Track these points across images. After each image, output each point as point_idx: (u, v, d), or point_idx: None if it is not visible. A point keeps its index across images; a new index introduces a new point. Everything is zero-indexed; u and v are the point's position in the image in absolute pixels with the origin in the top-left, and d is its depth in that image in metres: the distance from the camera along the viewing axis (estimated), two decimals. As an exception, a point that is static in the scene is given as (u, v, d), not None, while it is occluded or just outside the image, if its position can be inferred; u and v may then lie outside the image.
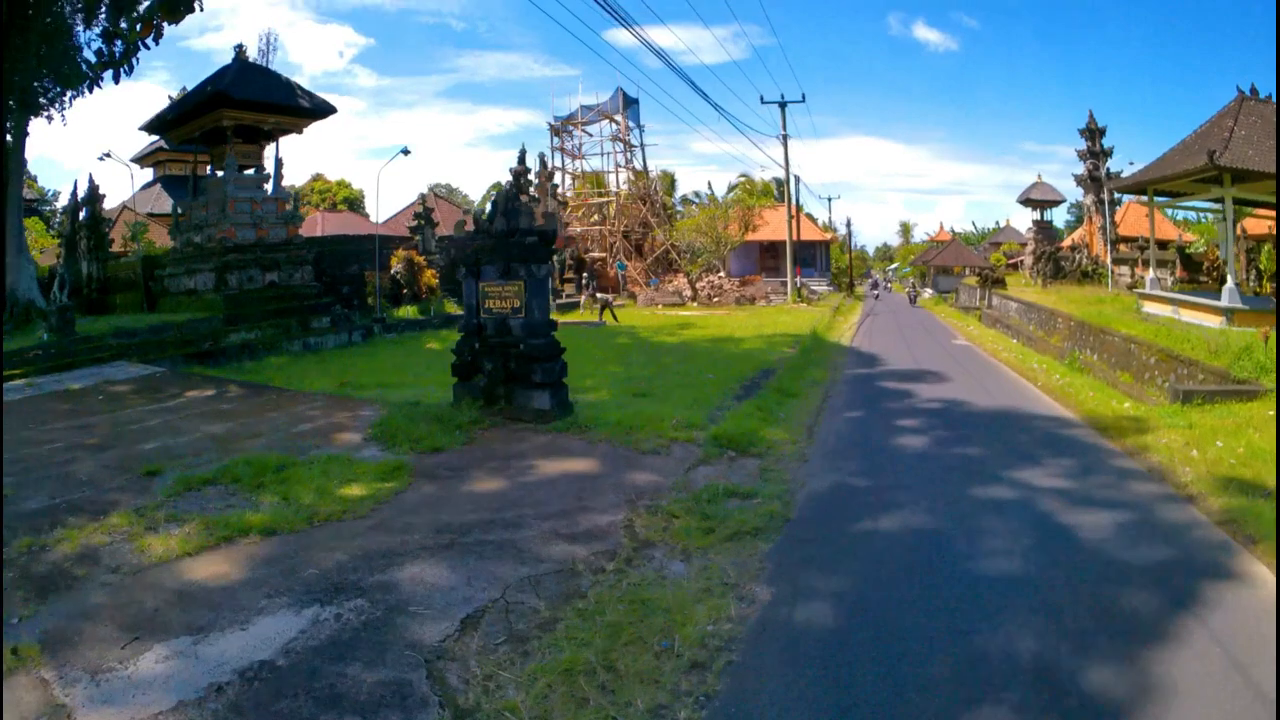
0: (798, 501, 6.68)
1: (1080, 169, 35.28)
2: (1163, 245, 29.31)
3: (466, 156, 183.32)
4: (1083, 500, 6.76)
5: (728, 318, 28.95)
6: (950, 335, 25.96)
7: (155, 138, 31.23)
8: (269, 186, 20.99)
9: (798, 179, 49.38)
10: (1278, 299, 15.86)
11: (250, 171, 20.98)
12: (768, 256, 50.76)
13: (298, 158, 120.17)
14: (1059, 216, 52.63)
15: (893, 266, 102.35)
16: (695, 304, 37.41)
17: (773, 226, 47.20)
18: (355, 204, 62.97)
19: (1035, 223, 39.96)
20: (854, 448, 9.06)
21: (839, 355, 19.50)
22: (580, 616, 4.36)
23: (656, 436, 8.45)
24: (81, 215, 23.45)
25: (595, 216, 46.82)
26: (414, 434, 8.37)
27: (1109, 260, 30.22)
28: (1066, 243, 39.72)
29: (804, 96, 47.19)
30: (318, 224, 41.54)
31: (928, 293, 56.46)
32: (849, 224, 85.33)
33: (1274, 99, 17.22)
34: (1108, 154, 34.61)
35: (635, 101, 47.60)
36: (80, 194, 23.73)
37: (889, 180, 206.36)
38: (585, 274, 39.96)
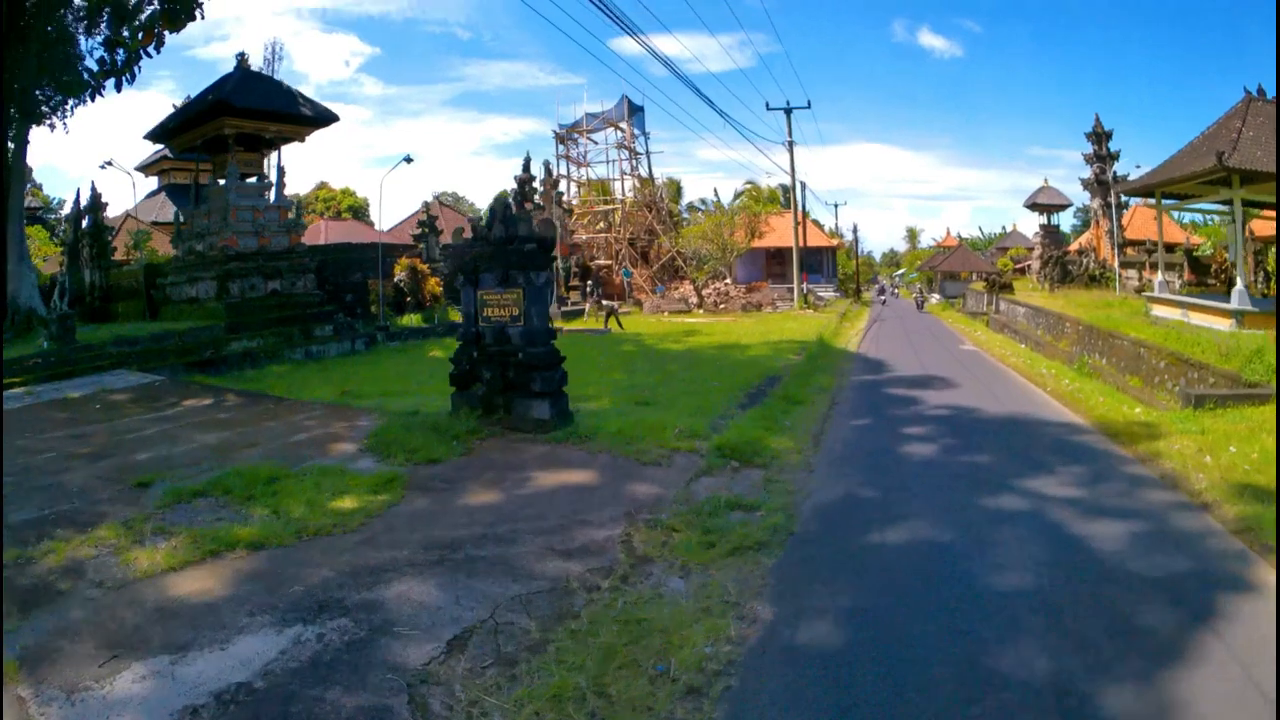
0: (802, 514, 6.52)
1: (1087, 173, 35.02)
2: (1170, 248, 29.08)
3: (472, 165, 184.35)
4: (1095, 510, 6.59)
5: (734, 324, 28.82)
6: (957, 340, 25.76)
7: (160, 146, 31.30)
8: (271, 195, 21.01)
9: (804, 185, 49.20)
10: (1278, 301, 15.62)
11: (252, 180, 21.01)
12: (774, 263, 50.66)
13: (302, 166, 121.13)
14: (1066, 221, 52.26)
15: (899, 272, 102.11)
16: (701, 311, 37.28)
17: (779, 233, 47.09)
18: (360, 212, 63.09)
19: (1042, 227, 39.67)
20: (861, 456, 8.89)
21: (846, 361, 19.32)
22: (572, 638, 4.21)
23: (658, 446, 8.28)
24: (84, 223, 23.54)
25: (601, 224, 46.86)
26: (410, 444, 8.22)
27: (1116, 264, 29.96)
28: (1074, 247, 39.47)
29: (809, 103, 47.42)
30: (321, 232, 41.65)
31: (935, 298, 56.19)
32: (855, 230, 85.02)
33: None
34: (1114, 157, 34.33)
35: (640, 109, 47.71)
36: (83, 202, 23.83)
37: (895, 186, 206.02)
38: (591, 281, 39.94)
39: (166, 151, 33.92)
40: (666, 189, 54.59)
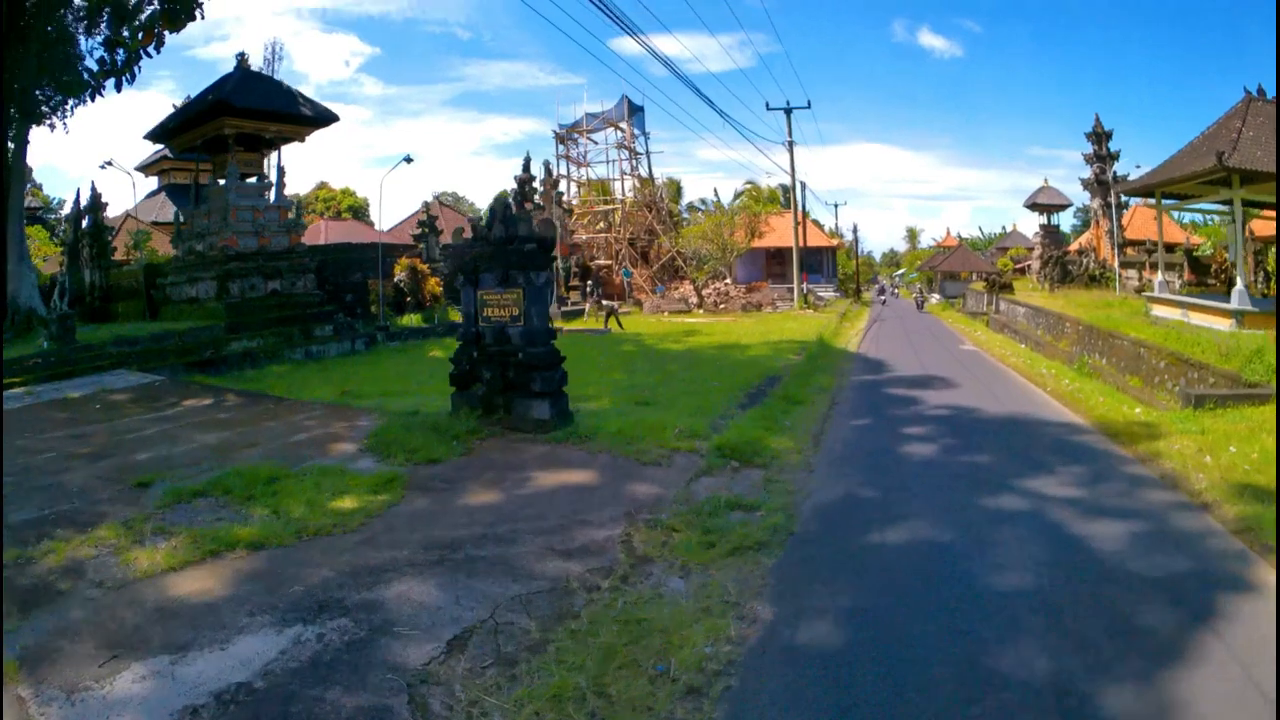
0: (802, 514, 6.51)
1: (1087, 173, 35.01)
2: (1170, 248, 29.06)
3: (472, 165, 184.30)
4: (1095, 510, 6.59)
5: (734, 324, 28.81)
6: (957, 340, 25.75)
7: (160, 146, 31.30)
8: (271, 195, 21.00)
9: (804, 185, 49.19)
10: (1277, 302, 15.62)
11: (252, 180, 21.00)
12: (774, 263, 50.64)
13: (302, 166, 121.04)
14: (1066, 221, 52.24)
15: (899, 272, 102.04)
16: (701, 311, 37.28)
17: (779, 233, 47.08)
18: (360, 212, 63.08)
19: (1042, 227, 39.65)
20: (861, 456, 8.88)
21: (846, 361, 19.31)
22: (572, 638, 4.20)
23: (658, 446, 8.28)
24: (84, 223, 23.52)
25: (601, 224, 46.84)
26: (410, 445, 8.22)
27: (1116, 264, 29.95)
28: (1074, 247, 39.45)
29: (809, 103, 47.35)
30: (321, 232, 41.64)
31: (935, 298, 56.17)
32: (855, 230, 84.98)
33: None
34: (1114, 157, 34.32)
35: (641, 109, 47.69)
36: (83, 202, 23.81)
37: (895, 186, 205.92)
38: (591, 281, 39.93)
39: (166, 151, 33.92)
40: (666, 189, 54.59)
